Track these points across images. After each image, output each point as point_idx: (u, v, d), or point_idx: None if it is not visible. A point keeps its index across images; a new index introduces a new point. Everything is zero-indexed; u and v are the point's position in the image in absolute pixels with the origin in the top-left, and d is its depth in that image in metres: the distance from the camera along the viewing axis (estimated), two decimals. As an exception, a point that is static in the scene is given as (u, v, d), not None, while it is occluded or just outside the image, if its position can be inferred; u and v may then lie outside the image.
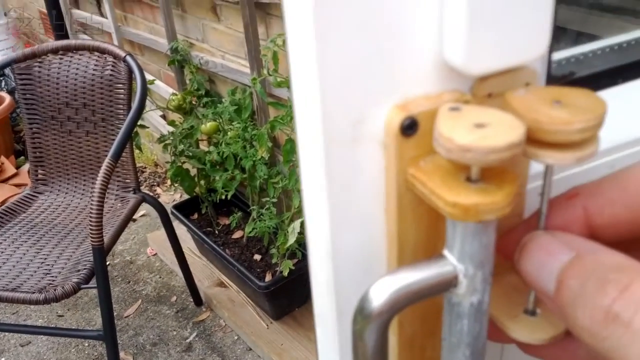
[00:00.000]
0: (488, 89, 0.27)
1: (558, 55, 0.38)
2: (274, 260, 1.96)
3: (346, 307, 0.30)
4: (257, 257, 2.10)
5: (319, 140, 0.27)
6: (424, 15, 0.26)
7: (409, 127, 0.27)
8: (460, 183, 0.26)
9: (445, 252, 0.27)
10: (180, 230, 2.27)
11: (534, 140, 0.25)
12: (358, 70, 0.26)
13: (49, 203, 2.08)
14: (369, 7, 0.25)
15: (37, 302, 1.63)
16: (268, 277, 2.00)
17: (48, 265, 1.76)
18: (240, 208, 2.22)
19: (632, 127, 0.36)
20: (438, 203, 0.26)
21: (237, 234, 2.20)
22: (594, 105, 0.25)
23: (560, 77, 0.35)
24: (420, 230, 0.30)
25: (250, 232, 1.92)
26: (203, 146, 2.23)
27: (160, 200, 2.64)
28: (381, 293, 0.26)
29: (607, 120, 0.36)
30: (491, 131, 0.24)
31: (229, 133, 1.90)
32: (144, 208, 2.72)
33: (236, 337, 2.14)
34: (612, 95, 0.37)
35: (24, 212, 2.05)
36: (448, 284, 0.27)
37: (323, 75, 0.25)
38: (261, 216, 1.90)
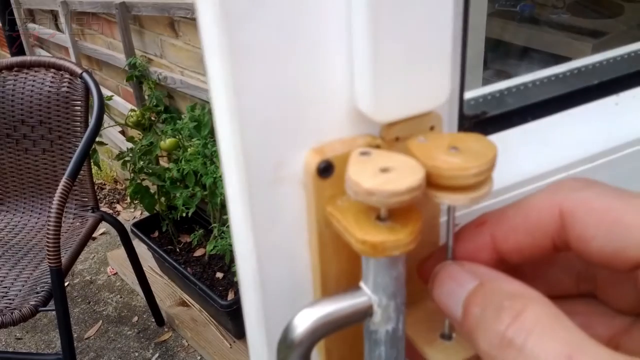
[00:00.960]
0: (395, 133, 0.30)
1: (471, 94, 0.41)
2: (236, 279, 1.98)
3: (275, 337, 0.33)
4: (219, 275, 2.11)
5: (243, 181, 0.29)
6: (336, 66, 0.29)
7: (325, 170, 0.30)
8: (370, 221, 0.29)
9: (362, 284, 0.30)
10: (141, 248, 2.27)
11: (433, 183, 0.28)
12: (276, 117, 0.29)
13: (6, 223, 2.07)
14: (284, 61, 0.28)
15: (-7, 326, 1.62)
16: (230, 296, 2.01)
17: (5, 287, 1.75)
18: (202, 225, 2.24)
19: (540, 162, 0.39)
20: (350, 240, 0.29)
21: (198, 252, 2.21)
22: (485, 150, 0.28)
23: (472, 117, 0.38)
24: (342, 262, 0.32)
25: (211, 250, 1.94)
26: (163, 162, 2.24)
27: (120, 217, 2.65)
28: (302, 323, 0.29)
29: (518, 155, 0.39)
30: (394, 176, 0.27)
31: (188, 150, 1.92)
32: (104, 226, 2.71)
33: (199, 357, 2.14)
34: (522, 133, 0.41)
35: (-21, 233, 2.03)
36: (364, 313, 0.30)
37: (243, 122, 0.28)
38: (222, 234, 1.91)
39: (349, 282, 0.33)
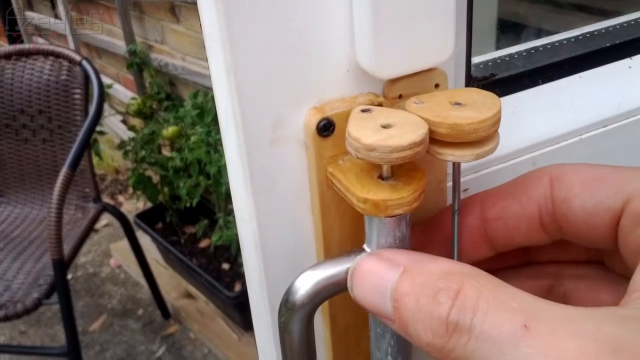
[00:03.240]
0: (398, 91, 0.30)
1: (480, 58, 0.41)
2: (242, 269, 1.98)
3: (277, 302, 0.33)
4: (226, 266, 2.12)
5: (242, 142, 0.30)
6: (336, 22, 0.29)
7: (325, 128, 0.30)
8: (373, 180, 0.29)
9: (365, 246, 0.30)
10: (145, 240, 2.28)
11: (435, 139, 0.28)
12: (274, 75, 0.29)
13: (6, 215, 2.08)
14: (282, 16, 0.28)
15: (-4, 319, 1.63)
16: (237, 287, 2.02)
17: (7, 280, 1.76)
18: (207, 216, 2.24)
19: (551, 125, 0.39)
20: (352, 199, 0.29)
21: (204, 243, 2.22)
22: (490, 101, 0.28)
23: (480, 79, 0.38)
24: (345, 225, 0.33)
25: (217, 240, 1.94)
26: (166, 152, 2.25)
27: (123, 209, 2.66)
28: (303, 286, 0.29)
29: (528, 118, 0.39)
30: (396, 131, 0.27)
31: (191, 138, 1.92)
32: (107, 218, 2.72)
33: (207, 350, 2.15)
34: (532, 95, 0.41)
35: (-21, 225, 2.04)
36: (368, 276, 0.30)
37: (239, 78, 0.28)
38: (228, 224, 1.92)
39: (353, 245, 0.33)
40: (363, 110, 0.29)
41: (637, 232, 0.27)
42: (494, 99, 0.28)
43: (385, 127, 0.27)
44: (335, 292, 0.30)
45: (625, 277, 0.32)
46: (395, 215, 0.28)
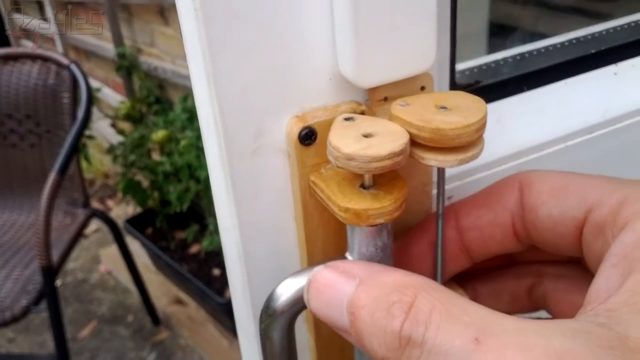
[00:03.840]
0: (384, 93, 0.31)
1: (466, 65, 0.41)
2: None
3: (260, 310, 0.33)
4: (217, 272, 2.12)
5: (223, 150, 0.30)
6: (318, 30, 0.29)
7: (307, 137, 0.30)
8: (355, 189, 0.29)
9: (347, 254, 0.31)
10: (135, 245, 2.28)
11: (419, 144, 0.28)
12: (255, 84, 0.29)
13: (-6, 222, 2.07)
14: (262, 24, 0.28)
15: (-16, 327, 1.62)
16: (228, 293, 2.02)
17: (-5, 287, 1.75)
18: (197, 221, 2.24)
19: (536, 132, 0.39)
20: (334, 208, 0.29)
21: (194, 248, 2.22)
22: (475, 105, 0.28)
23: (465, 86, 0.39)
24: (327, 233, 0.33)
25: (207, 245, 1.94)
26: (155, 156, 2.25)
27: (112, 213, 2.65)
28: (284, 292, 0.30)
29: (513, 126, 0.40)
30: (376, 141, 0.27)
31: (181, 142, 1.92)
32: (97, 223, 2.72)
33: (197, 357, 2.15)
34: (517, 102, 0.41)
35: (-34, 232, 2.04)
36: (350, 284, 0.30)
37: (220, 87, 0.28)
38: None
39: (335, 253, 0.33)
40: (346, 119, 0.29)
41: (598, 243, 0.27)
42: (480, 103, 0.29)
43: (366, 136, 0.28)
44: (317, 300, 0.30)
45: None
46: (376, 225, 0.29)
